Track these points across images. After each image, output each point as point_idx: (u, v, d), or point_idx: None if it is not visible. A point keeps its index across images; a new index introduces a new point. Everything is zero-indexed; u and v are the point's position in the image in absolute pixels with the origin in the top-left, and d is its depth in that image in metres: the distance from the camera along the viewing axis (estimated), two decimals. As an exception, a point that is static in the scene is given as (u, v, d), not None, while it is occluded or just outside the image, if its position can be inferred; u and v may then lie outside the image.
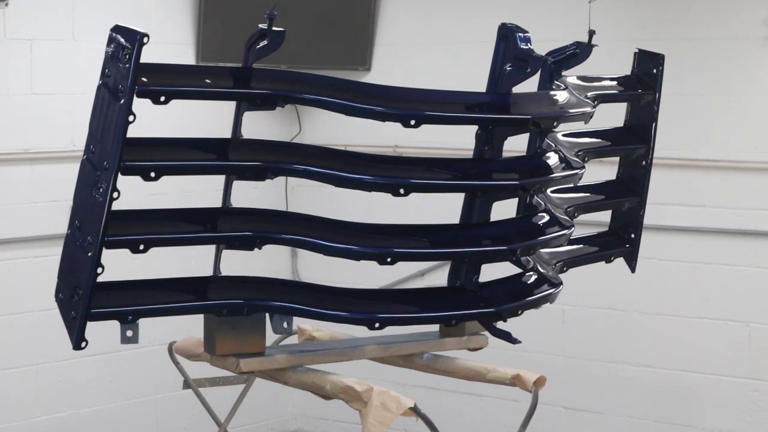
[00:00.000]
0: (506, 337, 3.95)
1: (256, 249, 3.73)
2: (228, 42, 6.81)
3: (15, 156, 6.16)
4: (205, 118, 6.24)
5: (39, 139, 6.24)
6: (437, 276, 6.70)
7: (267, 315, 3.80)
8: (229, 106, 6.28)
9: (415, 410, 3.78)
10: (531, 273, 4.05)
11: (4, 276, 6.16)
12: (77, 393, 6.44)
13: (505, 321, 3.93)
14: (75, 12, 6.33)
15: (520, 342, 3.93)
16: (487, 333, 4.22)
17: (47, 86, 6.26)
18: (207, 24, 6.80)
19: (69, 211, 6.21)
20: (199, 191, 6.17)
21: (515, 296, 3.98)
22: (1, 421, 6.16)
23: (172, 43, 6.67)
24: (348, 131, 6.88)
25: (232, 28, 6.83)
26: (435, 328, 4.28)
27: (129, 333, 3.55)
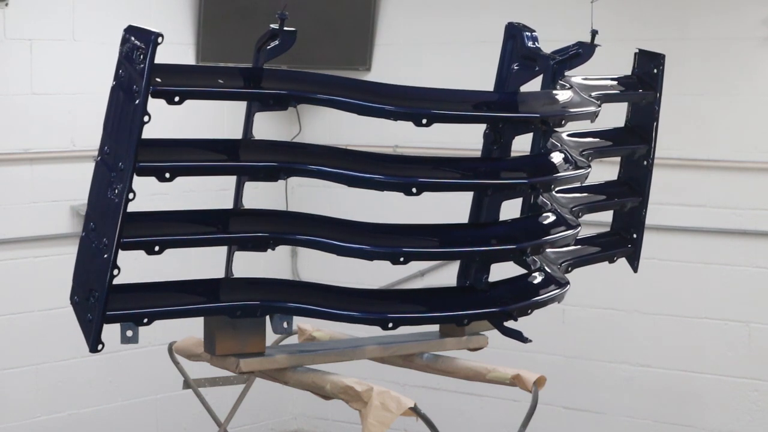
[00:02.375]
0: (517, 336, 3.95)
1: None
2: (228, 42, 6.82)
3: (15, 156, 6.16)
4: (204, 119, 6.24)
5: (39, 139, 6.24)
6: (437, 276, 6.70)
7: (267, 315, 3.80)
8: (229, 107, 6.30)
9: (415, 410, 3.77)
10: (539, 272, 4.06)
11: (4, 276, 6.16)
12: (77, 393, 6.44)
13: (515, 320, 3.93)
14: (75, 12, 6.33)
15: (530, 341, 3.93)
16: (487, 333, 4.22)
17: (47, 86, 6.26)
18: (207, 24, 6.80)
19: (69, 211, 6.28)
20: (199, 191, 6.17)
21: (525, 296, 3.98)
22: (1, 421, 6.17)
23: (172, 43, 6.61)
24: (348, 131, 6.88)
25: (232, 28, 6.83)
26: (435, 328, 4.28)
27: (129, 333, 3.54)
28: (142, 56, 3.29)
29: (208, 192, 5.97)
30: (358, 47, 7.08)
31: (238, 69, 3.80)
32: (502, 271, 4.05)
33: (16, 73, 6.16)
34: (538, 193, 4.00)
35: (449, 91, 3.91)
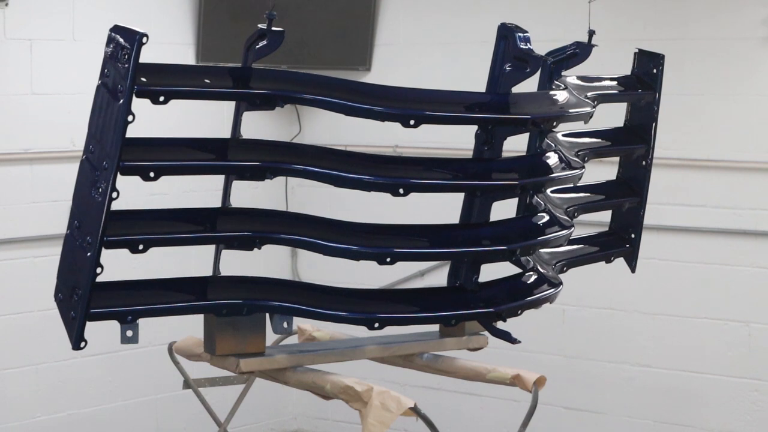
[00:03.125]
0: (506, 337, 3.95)
1: (255, 249, 3.73)
2: (228, 42, 6.82)
3: (15, 156, 6.16)
4: (204, 118, 6.24)
5: (39, 139, 6.24)
6: (437, 276, 6.70)
7: (267, 315, 3.80)
8: (229, 106, 6.29)
9: (415, 410, 3.78)
10: (531, 273, 4.05)
11: (4, 276, 6.16)
12: (77, 393, 6.44)
13: (504, 321, 3.93)
14: (75, 12, 6.33)
15: (519, 342, 3.93)
16: (487, 333, 4.22)
17: (47, 86, 6.26)
18: (207, 24, 6.81)
19: (69, 211, 6.28)
20: (198, 191, 6.17)
21: (515, 296, 3.97)
22: (1, 421, 6.17)
23: (172, 43, 6.67)
24: (348, 131, 6.88)
25: (232, 28, 6.83)
26: (435, 328, 4.28)
27: (129, 333, 3.55)
28: (126, 56, 3.30)
29: (208, 192, 5.96)
30: (358, 47, 7.08)
31: (225, 69, 3.80)
32: (496, 271, 4.05)
33: (16, 73, 6.16)
34: (529, 194, 3.99)
35: (438, 92, 3.90)
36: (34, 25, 6.19)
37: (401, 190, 3.69)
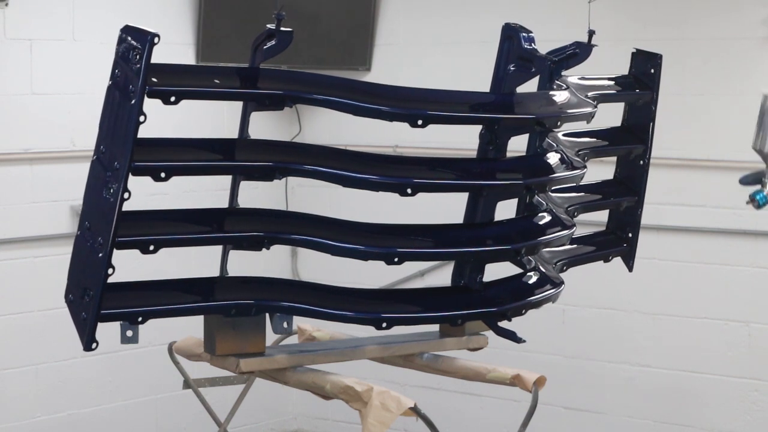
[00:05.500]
0: (511, 336, 3.96)
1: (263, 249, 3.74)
2: (228, 42, 6.82)
3: (15, 156, 6.16)
4: (205, 118, 6.24)
5: (39, 139, 6.24)
6: (437, 276, 6.70)
7: (267, 315, 3.80)
8: (230, 106, 6.30)
9: (415, 410, 3.78)
10: (534, 272, 4.06)
11: (4, 276, 6.16)
12: (77, 393, 6.44)
13: (509, 320, 3.94)
14: (75, 12, 6.34)
15: (524, 341, 3.94)
16: (487, 333, 4.23)
17: (47, 86, 6.26)
18: (207, 24, 6.81)
19: (69, 211, 6.29)
20: (199, 191, 6.17)
21: (519, 296, 3.99)
22: (1, 421, 6.17)
23: (172, 43, 6.66)
24: (348, 131, 6.88)
25: (232, 28, 6.83)
26: (435, 328, 4.28)
27: (129, 333, 3.55)
28: (138, 56, 3.30)
29: (208, 192, 5.97)
30: (358, 47, 7.08)
31: (234, 69, 3.80)
32: (498, 270, 4.05)
33: (16, 73, 6.16)
34: (533, 194, 4.00)
35: (445, 92, 3.91)
36: (34, 25, 6.19)
37: (409, 190, 3.70)
